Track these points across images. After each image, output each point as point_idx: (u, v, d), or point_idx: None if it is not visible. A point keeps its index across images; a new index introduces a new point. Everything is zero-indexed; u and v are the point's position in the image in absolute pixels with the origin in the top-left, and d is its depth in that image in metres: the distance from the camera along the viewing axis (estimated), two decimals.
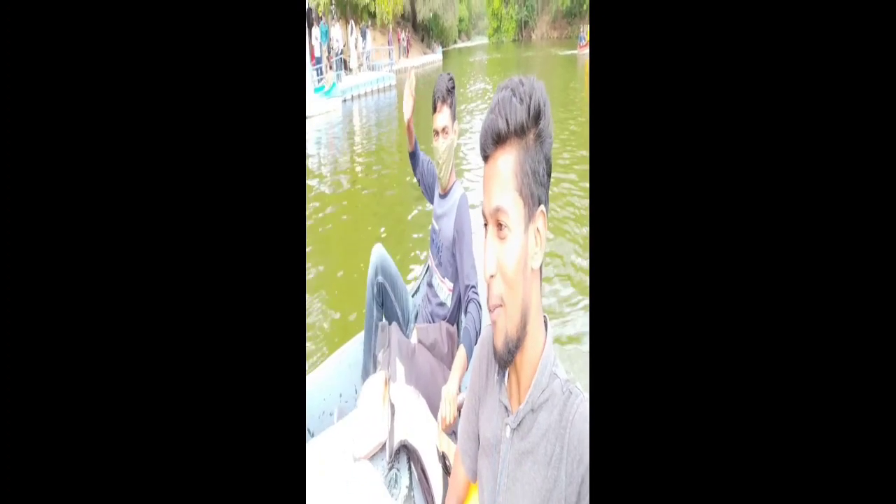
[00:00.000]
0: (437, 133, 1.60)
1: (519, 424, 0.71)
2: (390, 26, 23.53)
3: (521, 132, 0.64)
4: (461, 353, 1.41)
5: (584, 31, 24.46)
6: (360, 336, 1.83)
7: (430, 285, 1.80)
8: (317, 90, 13.36)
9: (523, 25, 50.41)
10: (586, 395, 0.65)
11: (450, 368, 1.45)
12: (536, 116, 0.64)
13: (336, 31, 16.29)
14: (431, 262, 1.80)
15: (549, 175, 0.68)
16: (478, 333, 1.44)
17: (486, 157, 0.68)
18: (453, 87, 1.60)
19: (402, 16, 26.71)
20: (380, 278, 1.77)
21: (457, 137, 1.64)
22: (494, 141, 0.65)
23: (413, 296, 2.10)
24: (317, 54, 14.86)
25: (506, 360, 0.68)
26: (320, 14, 16.16)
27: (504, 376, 0.75)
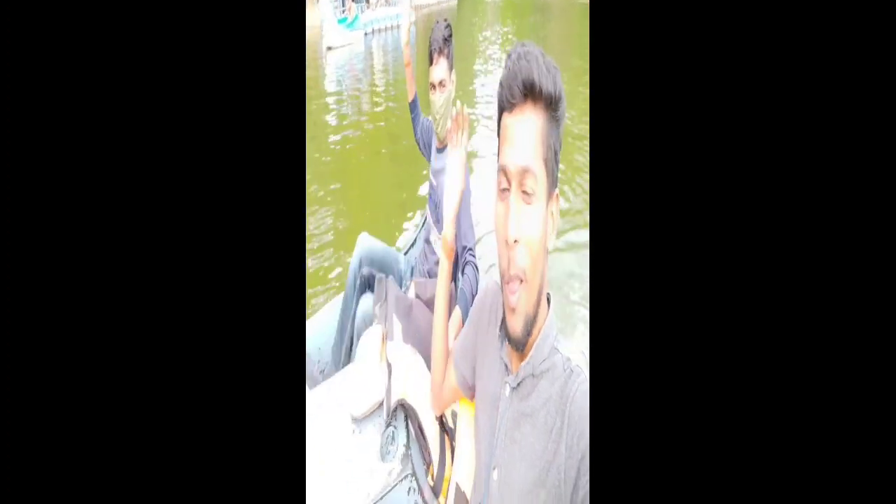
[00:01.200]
0: (433, 86, 1.43)
1: (519, 384, 0.67)
2: None
3: (549, 101, 0.57)
4: (456, 313, 1.34)
5: None
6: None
7: (427, 241, 1.69)
8: (340, 21, 12.62)
9: None
10: (588, 376, 0.62)
11: None
12: (559, 98, 0.58)
13: None
14: (429, 218, 1.68)
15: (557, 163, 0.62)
16: (474, 295, 1.36)
17: (510, 106, 0.59)
18: (450, 36, 1.41)
19: None
20: (364, 270, 1.63)
21: (454, 89, 1.47)
22: (523, 92, 0.57)
23: (410, 248, 2.00)
24: None
25: (522, 342, 0.64)
26: None
27: (506, 335, 0.69)
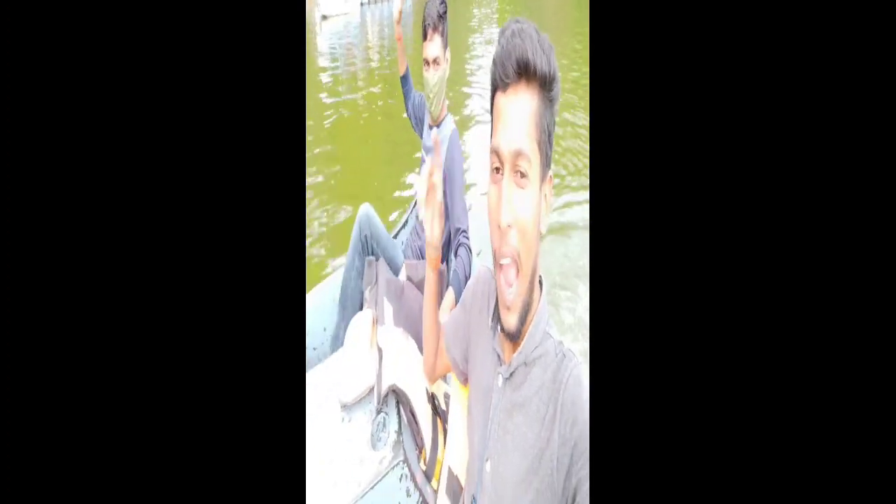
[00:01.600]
0: (427, 64, 1.35)
1: (511, 375, 0.65)
2: None
3: (543, 81, 0.54)
4: (450, 294, 1.30)
5: None
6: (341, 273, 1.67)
7: (418, 219, 1.64)
8: None
9: None
10: (580, 360, 0.62)
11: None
12: (553, 79, 0.55)
13: None
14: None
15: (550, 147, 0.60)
16: (467, 278, 1.32)
17: (504, 85, 0.56)
18: (445, 12, 1.33)
19: None
20: (366, 232, 1.57)
21: (449, 67, 1.39)
22: (517, 71, 0.54)
23: (401, 229, 1.94)
24: None
25: (517, 333, 0.62)
26: None
27: (498, 324, 0.67)
